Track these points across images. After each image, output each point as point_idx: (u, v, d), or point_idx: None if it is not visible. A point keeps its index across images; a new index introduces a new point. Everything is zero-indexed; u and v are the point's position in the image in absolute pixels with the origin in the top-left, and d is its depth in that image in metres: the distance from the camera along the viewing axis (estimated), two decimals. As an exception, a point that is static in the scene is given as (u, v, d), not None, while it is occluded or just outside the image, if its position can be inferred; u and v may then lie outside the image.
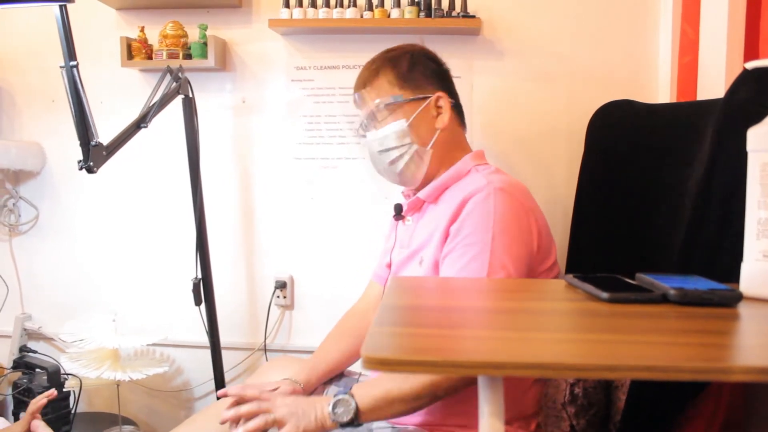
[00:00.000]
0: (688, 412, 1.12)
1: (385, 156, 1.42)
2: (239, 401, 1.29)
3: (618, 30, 1.89)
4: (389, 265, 1.50)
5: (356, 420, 1.16)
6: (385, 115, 1.41)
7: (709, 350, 0.63)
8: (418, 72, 1.42)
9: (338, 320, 1.66)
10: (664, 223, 1.34)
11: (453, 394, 1.16)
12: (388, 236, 1.60)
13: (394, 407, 1.16)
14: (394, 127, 1.39)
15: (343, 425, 1.17)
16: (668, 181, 1.37)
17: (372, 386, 1.19)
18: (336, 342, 1.57)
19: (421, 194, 1.40)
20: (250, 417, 1.22)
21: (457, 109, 1.47)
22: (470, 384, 1.13)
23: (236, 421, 1.24)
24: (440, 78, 1.45)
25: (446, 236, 1.26)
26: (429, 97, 1.40)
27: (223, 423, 1.26)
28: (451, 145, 1.42)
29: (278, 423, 1.19)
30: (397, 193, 1.99)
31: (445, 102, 1.40)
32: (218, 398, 1.41)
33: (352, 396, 1.17)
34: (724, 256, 1.04)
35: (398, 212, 1.48)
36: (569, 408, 1.29)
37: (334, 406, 1.17)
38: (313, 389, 1.48)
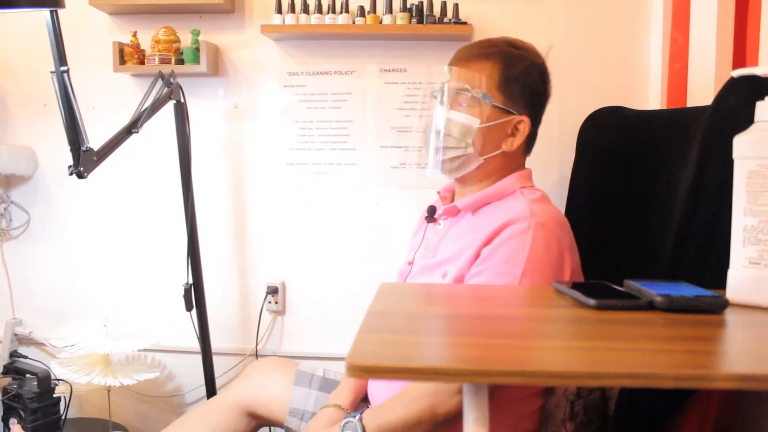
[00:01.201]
0: (678, 418, 1.13)
1: (441, 139, 1.32)
2: None
3: (609, 37, 1.90)
4: (411, 263, 1.44)
5: None
6: (464, 102, 1.30)
7: (694, 357, 0.63)
8: (522, 85, 1.32)
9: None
10: (654, 229, 1.35)
11: (454, 414, 1.13)
12: (414, 234, 1.54)
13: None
14: (464, 120, 1.29)
15: None
16: (658, 188, 1.37)
17: (380, 410, 1.19)
18: None
19: (460, 203, 1.33)
20: None
21: (533, 138, 1.38)
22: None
23: None
24: (536, 101, 1.36)
25: (477, 256, 1.21)
26: (513, 115, 1.31)
27: None
28: (505, 167, 1.34)
29: None
30: (387, 200, 2.00)
31: (524, 128, 1.31)
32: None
33: (360, 420, 1.17)
34: (712, 262, 1.05)
35: (431, 214, 1.42)
36: (568, 425, 1.29)
37: (343, 428, 1.18)
38: (360, 400, 1.44)
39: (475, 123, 1.29)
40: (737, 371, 0.57)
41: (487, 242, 1.20)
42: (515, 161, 1.36)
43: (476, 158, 1.31)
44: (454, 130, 1.30)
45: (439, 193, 1.48)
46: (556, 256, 1.19)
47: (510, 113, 1.30)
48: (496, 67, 1.31)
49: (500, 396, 1.22)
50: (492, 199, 1.30)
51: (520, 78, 1.31)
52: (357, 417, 1.18)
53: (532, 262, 1.15)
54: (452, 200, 1.43)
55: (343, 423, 1.18)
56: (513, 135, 1.32)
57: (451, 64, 1.35)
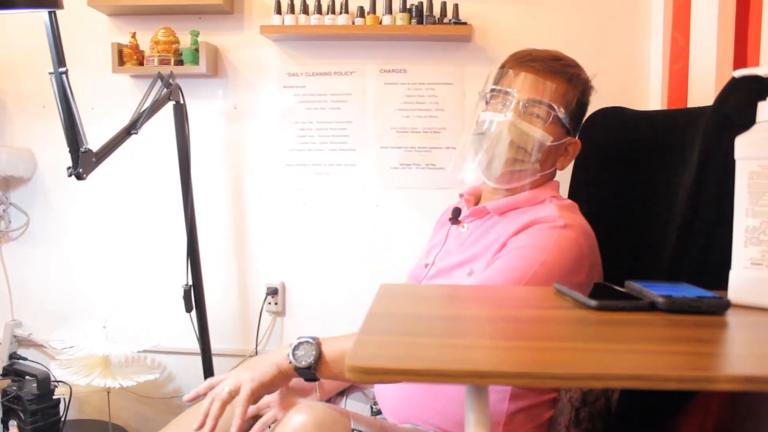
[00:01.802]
0: (678, 419, 1.12)
1: (507, 149, 1.28)
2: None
3: (609, 37, 1.90)
4: (427, 266, 1.42)
5: (314, 368, 1.13)
6: (541, 116, 1.28)
7: (696, 359, 0.63)
8: (583, 111, 1.40)
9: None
10: (655, 230, 1.35)
11: None
12: (433, 235, 1.52)
13: None
14: (540, 135, 1.28)
15: (299, 371, 1.14)
16: (659, 189, 1.37)
17: (343, 339, 1.17)
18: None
19: (490, 205, 1.32)
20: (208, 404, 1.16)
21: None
22: None
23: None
24: (582, 124, 1.42)
25: (503, 246, 1.22)
26: (572, 136, 1.36)
27: (199, 429, 1.17)
28: (547, 183, 1.37)
29: (234, 392, 1.15)
30: (387, 201, 2.00)
31: (573, 150, 1.37)
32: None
33: (318, 344, 1.14)
34: (713, 263, 1.04)
35: (456, 216, 1.40)
36: (573, 431, 1.28)
37: (295, 348, 1.14)
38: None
39: (548, 140, 1.30)
40: (739, 373, 0.57)
41: (515, 234, 1.22)
42: (553, 178, 1.40)
43: (536, 172, 1.32)
44: (528, 144, 1.28)
45: (462, 195, 1.46)
46: (576, 259, 1.19)
47: (569, 134, 1.35)
48: (576, 89, 1.33)
49: (510, 406, 1.22)
50: (522, 204, 1.31)
51: (585, 106, 1.39)
52: (314, 339, 1.16)
53: (554, 254, 1.16)
54: (476, 203, 1.42)
55: (296, 342, 1.14)
56: (565, 156, 1.37)
57: (528, 71, 1.30)
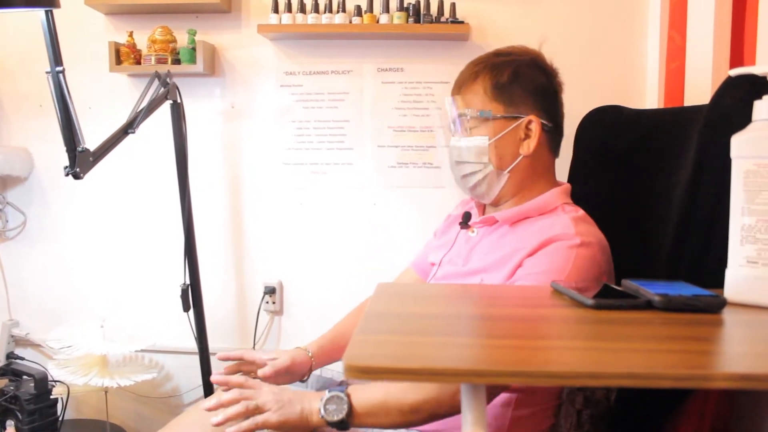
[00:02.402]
0: (675, 420, 1.12)
1: (460, 168, 1.34)
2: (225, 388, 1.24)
3: (606, 36, 1.90)
4: (433, 264, 1.43)
5: (346, 421, 1.10)
6: (470, 126, 1.32)
7: (692, 357, 0.63)
8: (518, 86, 1.31)
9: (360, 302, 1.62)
10: (652, 229, 1.35)
11: (454, 414, 1.09)
12: (441, 233, 1.51)
13: (390, 417, 1.10)
14: (475, 142, 1.30)
15: (331, 424, 1.11)
16: (656, 187, 1.37)
17: (371, 390, 1.13)
18: (356, 319, 1.50)
19: (499, 215, 1.30)
20: (231, 404, 1.16)
21: (555, 132, 1.36)
22: None
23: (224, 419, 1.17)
24: (543, 96, 1.33)
25: (519, 265, 1.20)
26: (521, 117, 1.30)
27: (208, 410, 1.19)
28: (534, 173, 1.33)
29: (259, 410, 1.14)
30: (384, 200, 2.00)
31: (536, 127, 1.29)
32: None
33: (348, 396, 1.11)
34: (710, 261, 1.04)
35: (466, 221, 1.38)
36: None
37: (327, 402, 1.11)
38: (324, 357, 1.43)
39: (485, 140, 1.30)
40: (735, 371, 0.57)
41: (531, 254, 1.19)
42: (543, 163, 1.35)
43: (500, 174, 1.31)
44: (469, 155, 1.31)
45: (473, 198, 1.46)
46: (595, 278, 1.18)
47: (516, 118, 1.30)
48: (486, 80, 1.31)
49: (515, 412, 1.22)
50: (532, 213, 1.29)
51: (513, 81, 1.31)
52: (344, 391, 1.12)
53: (572, 277, 1.14)
54: (484, 208, 1.42)
55: (327, 396, 1.11)
56: (527, 137, 1.30)
57: (452, 94, 1.36)
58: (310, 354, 1.42)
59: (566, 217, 1.24)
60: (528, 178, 1.33)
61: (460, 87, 1.36)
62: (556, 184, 1.36)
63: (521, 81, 1.31)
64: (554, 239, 1.18)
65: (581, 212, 1.29)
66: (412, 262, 1.60)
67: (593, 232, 1.23)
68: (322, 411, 1.11)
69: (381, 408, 1.10)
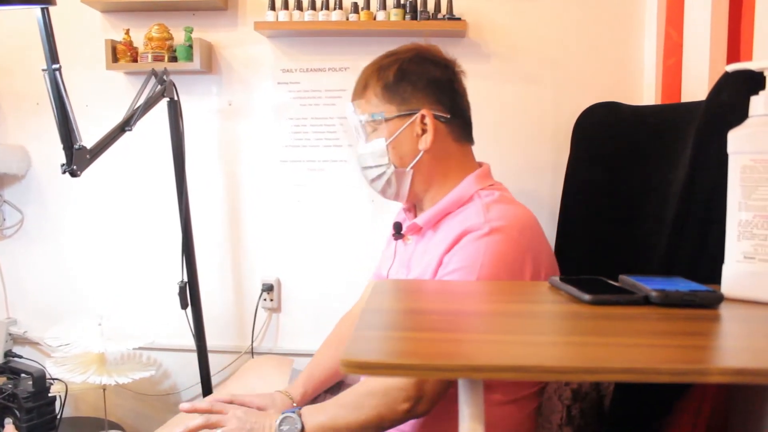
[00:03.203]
0: (671, 417, 1.13)
1: (367, 173, 1.37)
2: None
3: (603, 33, 1.90)
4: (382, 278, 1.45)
5: None
6: (369, 130, 1.34)
7: (689, 352, 0.63)
8: (406, 84, 1.30)
9: (334, 325, 1.62)
10: (649, 225, 1.35)
11: (397, 425, 1.14)
12: (386, 247, 1.53)
13: None
14: (374, 146, 1.32)
15: None
16: (653, 183, 1.37)
17: (322, 411, 1.17)
18: (332, 349, 1.53)
19: (419, 220, 1.31)
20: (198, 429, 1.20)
21: (456, 122, 1.34)
22: (414, 417, 1.13)
23: None
24: (435, 88, 1.32)
25: (439, 265, 1.21)
26: (413, 113, 1.29)
27: None
28: (442, 166, 1.32)
29: None
30: (381, 197, 2.00)
31: (430, 120, 1.29)
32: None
33: (300, 416, 1.15)
34: (707, 257, 1.05)
35: (398, 231, 1.40)
36: (566, 429, 1.29)
37: (281, 423, 1.15)
38: (310, 399, 1.44)
39: (382, 142, 1.31)
40: (733, 365, 0.57)
41: (447, 251, 1.20)
42: (451, 156, 1.34)
43: (403, 172, 1.32)
44: (372, 159, 1.34)
45: (403, 208, 1.47)
46: (513, 260, 1.18)
47: (409, 115, 1.30)
48: (375, 84, 1.33)
49: (495, 397, 1.22)
50: (451, 208, 1.29)
51: (400, 78, 1.31)
52: (296, 412, 1.16)
53: (486, 268, 1.14)
54: (415, 212, 1.42)
55: (281, 417, 1.16)
56: (424, 132, 1.30)
57: (351, 101, 1.38)
58: (294, 403, 1.41)
59: (479, 204, 1.24)
60: (436, 172, 1.33)
61: (355, 95, 1.38)
62: (470, 170, 1.34)
63: (408, 77, 1.31)
64: (465, 232, 1.18)
65: (497, 194, 1.28)
66: (373, 276, 1.60)
67: (506, 214, 1.22)
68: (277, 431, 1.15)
69: (331, 428, 1.14)
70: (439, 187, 1.33)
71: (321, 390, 1.48)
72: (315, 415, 1.16)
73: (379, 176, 1.34)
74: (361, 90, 1.35)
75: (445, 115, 1.31)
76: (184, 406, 1.29)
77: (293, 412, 1.16)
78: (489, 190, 1.29)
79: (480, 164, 1.38)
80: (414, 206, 1.43)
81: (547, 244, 1.29)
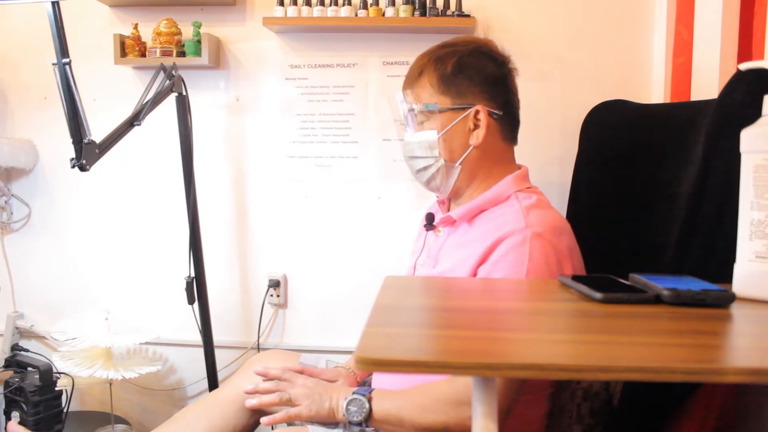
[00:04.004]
0: (679, 420, 1.12)
1: (413, 163, 1.35)
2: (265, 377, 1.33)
3: (612, 30, 1.89)
4: (411, 270, 1.45)
5: (365, 424, 1.17)
6: (420, 120, 1.32)
7: (702, 351, 0.63)
8: (463, 77, 1.29)
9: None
10: (659, 224, 1.35)
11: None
12: (417, 238, 1.53)
13: (404, 429, 1.15)
14: (425, 137, 1.30)
15: (351, 424, 1.18)
16: (662, 182, 1.37)
17: (391, 399, 1.18)
18: None
19: (454, 213, 1.31)
20: (268, 393, 1.26)
21: (507, 120, 1.34)
22: None
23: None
24: (491, 84, 1.31)
25: (474, 274, 1.20)
26: (468, 108, 1.28)
27: (246, 393, 1.30)
28: (488, 163, 1.32)
29: (292, 402, 1.22)
30: (389, 193, 2.00)
31: (483, 116, 1.28)
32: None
33: (369, 400, 1.17)
34: (718, 256, 1.04)
35: (430, 222, 1.39)
36: (576, 428, 1.29)
37: (349, 403, 1.17)
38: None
39: (435, 134, 1.30)
40: (746, 365, 0.57)
41: (483, 260, 1.19)
42: (497, 152, 1.34)
43: (452, 167, 1.31)
44: (420, 150, 1.32)
45: (437, 198, 1.47)
46: (555, 266, 1.17)
47: (463, 109, 1.29)
48: (431, 74, 1.31)
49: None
50: (487, 206, 1.28)
51: (458, 70, 1.29)
52: (366, 395, 1.18)
53: (532, 276, 1.13)
54: (449, 205, 1.42)
55: (350, 397, 1.18)
56: (477, 127, 1.29)
57: (402, 90, 1.37)
58: (352, 371, 1.46)
59: (517, 207, 1.24)
60: (481, 168, 1.32)
61: (408, 82, 1.36)
62: (511, 171, 1.34)
63: (466, 71, 1.30)
64: (504, 237, 1.17)
65: (536, 197, 1.28)
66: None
67: (545, 218, 1.22)
68: (344, 411, 1.18)
69: (396, 419, 1.16)
70: (480, 183, 1.32)
71: None
72: (383, 402, 1.17)
73: (426, 167, 1.33)
74: (415, 78, 1.33)
75: (498, 112, 1.31)
76: (257, 368, 1.34)
77: (363, 394, 1.18)
78: (526, 193, 1.29)
79: (519, 166, 1.38)
80: (449, 199, 1.42)
81: (578, 250, 1.28)
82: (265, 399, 1.25)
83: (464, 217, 1.29)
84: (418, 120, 1.32)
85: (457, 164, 1.31)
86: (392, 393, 1.21)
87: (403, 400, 1.18)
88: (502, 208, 1.26)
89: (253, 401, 1.26)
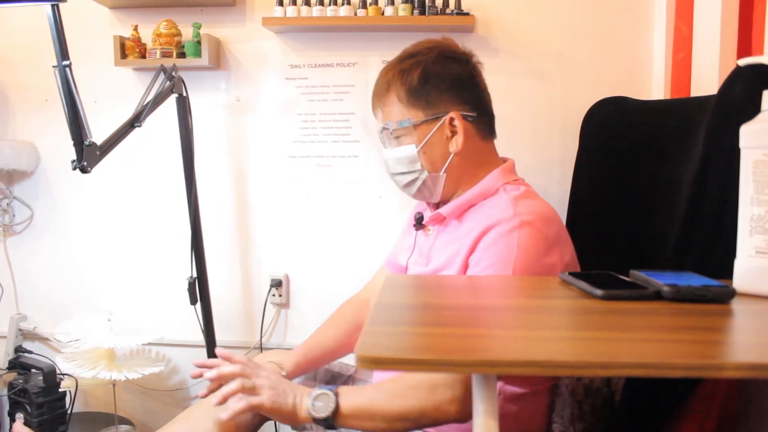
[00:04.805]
0: (679, 420, 1.12)
1: (399, 179, 1.35)
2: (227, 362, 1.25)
3: (612, 27, 1.89)
4: (404, 268, 1.44)
5: (332, 420, 1.12)
6: (395, 136, 1.32)
7: (703, 347, 0.63)
8: (431, 87, 1.28)
9: (338, 307, 1.61)
10: (659, 220, 1.35)
11: (437, 425, 1.13)
12: (405, 233, 1.52)
13: (374, 421, 1.11)
14: (404, 152, 1.30)
15: (317, 421, 1.13)
16: (663, 178, 1.37)
17: (359, 393, 1.15)
18: (333, 328, 1.52)
19: (444, 210, 1.30)
20: (230, 378, 1.18)
21: (482, 119, 1.32)
22: (458, 420, 1.10)
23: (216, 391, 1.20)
24: (460, 88, 1.30)
25: (466, 266, 1.19)
26: (441, 116, 1.27)
27: (206, 379, 1.22)
28: (472, 165, 1.31)
29: (255, 391, 1.15)
30: (390, 192, 2.00)
31: (459, 122, 1.27)
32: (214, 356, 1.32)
33: (336, 395, 1.12)
34: (718, 252, 1.04)
35: (419, 222, 1.38)
36: (577, 424, 1.29)
37: (315, 399, 1.13)
38: (300, 373, 1.43)
39: (413, 149, 1.29)
40: (747, 360, 0.57)
41: (473, 249, 1.18)
42: (480, 153, 1.33)
43: (437, 176, 1.31)
44: (402, 166, 1.32)
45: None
46: (545, 253, 1.17)
47: (437, 118, 1.28)
48: (398, 88, 1.29)
49: (507, 392, 1.22)
50: (476, 200, 1.28)
51: (425, 82, 1.28)
52: (333, 390, 1.14)
53: (521, 261, 1.13)
54: (437, 204, 1.41)
55: (317, 393, 1.13)
56: (454, 134, 1.28)
57: (372, 108, 1.37)
58: (283, 372, 1.40)
59: (506, 198, 1.23)
60: (466, 171, 1.32)
61: (377, 100, 1.35)
62: (496, 165, 1.33)
63: (432, 80, 1.28)
64: (493, 225, 1.17)
65: (524, 188, 1.28)
66: (385, 261, 1.59)
67: (534, 207, 1.22)
68: (310, 407, 1.13)
69: (366, 412, 1.11)
70: (467, 184, 1.32)
71: (315, 367, 1.47)
72: (351, 396, 1.13)
73: (412, 181, 1.33)
74: (383, 94, 1.32)
75: (472, 114, 1.30)
76: (220, 351, 1.27)
77: (330, 389, 1.14)
78: (514, 185, 1.29)
79: (504, 159, 1.38)
80: (437, 205, 1.41)
81: (570, 239, 1.28)
82: (227, 389, 1.16)
83: (453, 213, 1.30)
84: (394, 136, 1.32)
85: (441, 173, 1.31)
86: (360, 388, 1.19)
87: (372, 391, 1.15)
88: (490, 200, 1.27)
89: (212, 373, 1.19)
